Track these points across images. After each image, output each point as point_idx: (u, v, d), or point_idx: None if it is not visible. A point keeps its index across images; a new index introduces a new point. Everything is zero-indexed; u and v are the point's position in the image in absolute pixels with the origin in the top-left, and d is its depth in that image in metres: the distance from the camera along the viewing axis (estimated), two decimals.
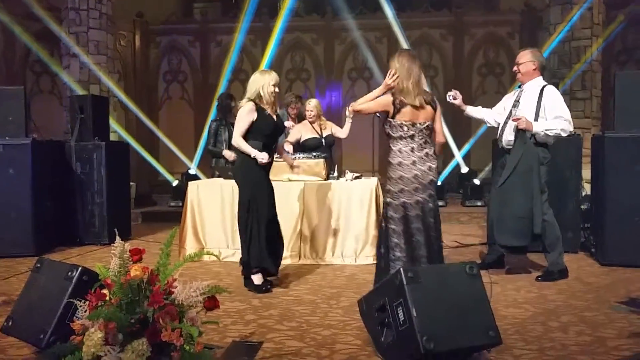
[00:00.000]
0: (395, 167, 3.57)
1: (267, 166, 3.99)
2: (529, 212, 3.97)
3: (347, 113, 4.40)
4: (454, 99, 4.32)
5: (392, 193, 3.59)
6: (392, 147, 3.60)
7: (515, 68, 4.29)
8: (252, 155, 3.85)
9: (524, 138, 4.01)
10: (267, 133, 3.93)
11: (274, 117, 3.99)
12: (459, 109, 4.42)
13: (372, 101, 3.65)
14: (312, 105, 5.47)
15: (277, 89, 3.95)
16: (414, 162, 3.55)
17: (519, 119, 4.00)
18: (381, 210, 4.96)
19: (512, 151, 4.07)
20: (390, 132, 3.61)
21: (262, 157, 3.84)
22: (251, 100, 3.91)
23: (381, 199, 5.10)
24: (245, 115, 3.88)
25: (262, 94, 3.89)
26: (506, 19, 10.16)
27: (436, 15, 10.37)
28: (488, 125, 4.57)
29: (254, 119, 3.88)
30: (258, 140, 3.90)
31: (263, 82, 3.90)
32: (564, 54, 7.87)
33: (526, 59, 4.24)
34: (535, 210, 3.97)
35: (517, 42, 10.08)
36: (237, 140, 3.90)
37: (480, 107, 4.57)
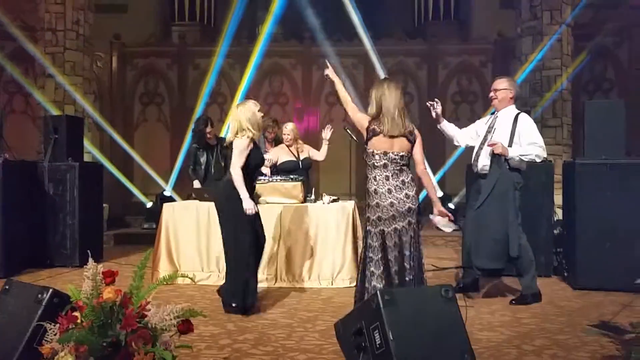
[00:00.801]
0: (372, 195, 3.54)
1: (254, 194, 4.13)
2: (505, 236, 4.02)
3: (326, 72, 4.00)
4: (434, 108, 4.36)
5: (371, 221, 3.54)
6: (368, 175, 3.58)
7: (492, 94, 4.40)
8: (243, 200, 3.83)
9: (500, 163, 4.09)
10: (258, 165, 4.11)
11: (263, 151, 4.23)
12: (435, 119, 4.45)
13: (352, 112, 3.68)
14: (289, 128, 5.51)
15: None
16: (389, 190, 3.51)
17: (495, 144, 4.09)
18: (358, 234, 4.99)
19: (488, 176, 4.14)
20: (366, 160, 3.60)
21: (250, 208, 3.83)
22: (251, 133, 3.90)
23: (358, 222, 5.13)
24: (245, 149, 3.88)
25: (257, 125, 3.94)
26: (479, 48, 10.42)
27: (411, 44, 10.59)
28: (456, 144, 4.65)
29: (250, 153, 3.92)
30: (249, 171, 3.98)
31: (253, 114, 3.92)
32: (535, 83, 8.11)
33: (504, 86, 4.36)
34: (510, 233, 4.03)
35: (489, 71, 10.34)
36: (236, 173, 3.84)
37: (454, 126, 4.62)
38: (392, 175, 3.53)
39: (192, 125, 7.99)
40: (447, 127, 4.57)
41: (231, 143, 3.94)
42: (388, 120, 3.52)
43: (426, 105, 4.45)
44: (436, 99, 4.46)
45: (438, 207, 3.73)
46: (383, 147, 3.53)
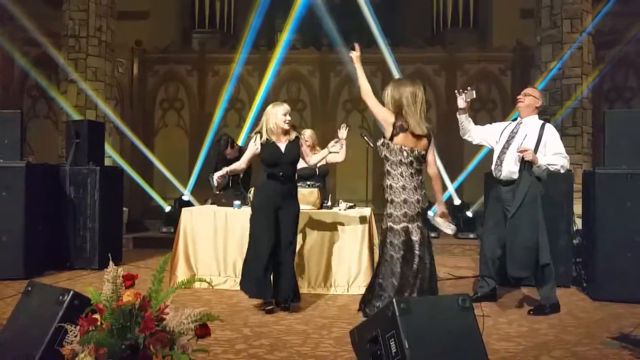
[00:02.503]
0: (399, 190, 3.50)
1: (277, 191, 4.10)
2: (536, 244, 4.00)
3: (351, 54, 4.14)
4: (462, 95, 4.31)
5: (394, 217, 3.50)
6: (392, 171, 3.54)
7: (520, 97, 4.37)
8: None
9: (530, 170, 4.07)
10: (270, 162, 4.11)
11: (283, 145, 4.12)
12: (458, 105, 4.41)
13: (376, 107, 3.63)
14: (307, 135, 5.53)
15: (287, 118, 4.13)
16: (415, 188, 3.52)
17: (526, 150, 4.04)
18: (374, 241, 4.97)
19: (519, 183, 4.08)
20: (388, 155, 3.55)
21: (214, 177, 4.32)
22: (258, 132, 4.16)
23: (374, 229, 5.13)
24: (249, 145, 4.21)
25: (269, 126, 4.10)
26: (498, 56, 10.36)
27: (430, 51, 10.57)
28: (466, 138, 4.60)
29: (257, 150, 4.14)
30: (265, 169, 4.15)
31: (271, 114, 4.12)
32: (555, 91, 8.03)
33: (534, 94, 4.35)
34: (541, 240, 4.01)
35: (509, 79, 10.27)
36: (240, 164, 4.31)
37: (471, 120, 4.57)
38: (415, 173, 3.56)
39: (210, 130, 8.06)
40: (466, 121, 4.52)
41: None
42: (414, 118, 3.52)
43: (444, 113, 4.45)
44: (470, 88, 4.39)
45: (442, 208, 3.78)
46: (410, 144, 3.54)
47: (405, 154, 3.52)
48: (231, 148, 5.94)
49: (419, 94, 3.57)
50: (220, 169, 5.92)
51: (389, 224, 3.55)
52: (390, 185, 3.54)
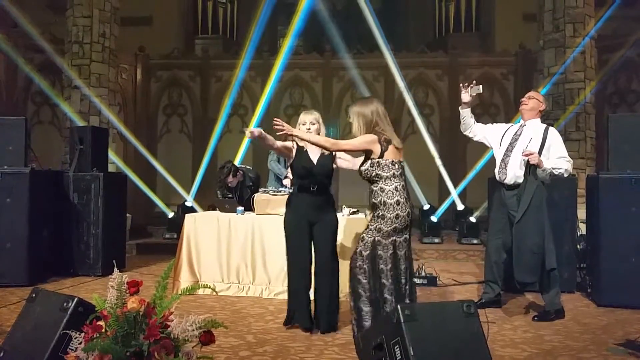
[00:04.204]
0: (392, 206, 3.45)
1: (309, 203, 3.80)
2: (542, 248, 3.98)
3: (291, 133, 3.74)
4: (467, 90, 4.32)
5: (383, 232, 3.44)
6: (386, 187, 3.47)
7: (524, 99, 4.37)
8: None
9: (535, 174, 4.06)
10: (300, 173, 3.84)
11: (316, 156, 3.83)
12: (462, 99, 4.42)
13: (356, 140, 3.54)
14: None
15: (307, 127, 3.84)
16: (406, 199, 3.50)
17: (531, 153, 4.03)
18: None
19: (525, 187, 4.06)
20: (381, 173, 3.50)
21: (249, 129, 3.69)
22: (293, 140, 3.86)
23: None
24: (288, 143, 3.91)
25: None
26: (501, 60, 10.38)
27: (432, 56, 10.59)
28: (467, 134, 4.59)
29: (292, 158, 3.87)
30: (296, 181, 3.91)
31: (298, 122, 3.92)
32: (558, 96, 8.03)
33: (538, 98, 4.36)
34: (547, 245, 4.00)
35: (511, 84, 10.28)
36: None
37: (473, 116, 4.57)
38: (405, 184, 3.54)
39: (213, 136, 8.04)
40: (468, 116, 4.52)
41: None
42: (390, 132, 3.54)
43: (447, 117, 4.45)
44: (475, 81, 4.40)
45: None
46: (397, 157, 3.53)
47: (396, 166, 3.51)
48: (233, 177, 5.96)
49: (382, 108, 3.59)
50: (223, 194, 5.95)
51: (377, 237, 3.44)
52: (384, 202, 3.47)
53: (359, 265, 3.43)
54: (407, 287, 3.46)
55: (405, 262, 3.47)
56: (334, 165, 3.93)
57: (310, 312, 3.82)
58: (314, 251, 3.81)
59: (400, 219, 3.44)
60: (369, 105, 3.56)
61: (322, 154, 3.83)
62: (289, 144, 3.88)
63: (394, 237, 3.45)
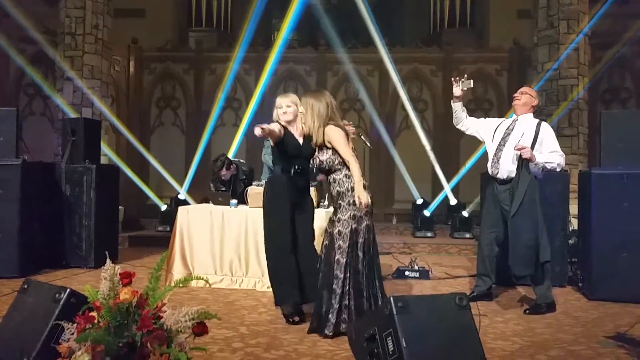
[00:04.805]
0: (346, 193, 3.48)
1: (293, 185, 3.80)
2: (536, 241, 4.01)
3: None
4: (457, 83, 4.34)
5: (357, 218, 3.47)
6: (337, 176, 3.53)
7: (517, 95, 4.39)
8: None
9: (528, 168, 4.08)
10: (292, 153, 3.79)
11: (300, 139, 3.81)
12: (454, 93, 4.44)
13: (344, 146, 3.51)
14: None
15: (283, 110, 3.81)
16: (367, 185, 3.55)
17: (523, 148, 4.05)
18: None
19: (518, 181, 4.08)
20: (337, 162, 3.53)
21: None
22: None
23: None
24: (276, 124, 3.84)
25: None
26: (495, 56, 10.38)
27: (427, 52, 10.59)
28: (459, 127, 4.60)
29: (281, 133, 3.76)
30: (282, 162, 3.85)
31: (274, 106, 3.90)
32: (551, 92, 8.05)
33: (531, 93, 4.38)
34: (541, 238, 4.02)
35: (505, 79, 10.30)
36: None
37: (466, 113, 4.58)
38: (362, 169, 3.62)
39: (207, 129, 7.99)
40: (460, 109, 4.53)
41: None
42: (341, 123, 3.61)
43: (441, 113, 4.47)
44: (466, 75, 4.44)
45: None
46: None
47: (355, 153, 3.59)
48: (227, 170, 5.93)
49: (334, 100, 3.65)
50: (216, 187, 5.92)
51: (354, 225, 3.47)
52: (339, 191, 3.52)
53: (337, 260, 3.45)
54: (377, 270, 3.54)
55: (374, 245, 3.55)
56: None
57: (296, 286, 3.76)
58: (296, 232, 3.81)
59: (356, 205, 3.47)
60: (323, 98, 3.59)
61: (304, 136, 3.78)
62: (277, 125, 3.78)
63: (367, 222, 3.51)
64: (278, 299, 3.86)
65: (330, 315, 3.41)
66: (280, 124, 3.81)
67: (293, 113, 3.83)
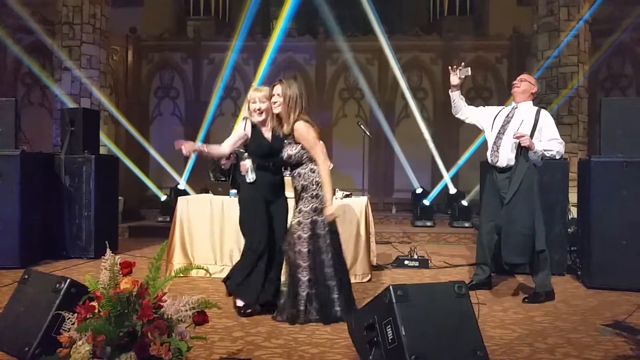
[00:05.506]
0: (313, 186, 3.56)
1: (268, 182, 3.80)
2: (532, 230, 4.01)
3: None
4: (460, 71, 4.34)
5: (319, 210, 3.56)
6: (302, 170, 3.58)
7: (516, 82, 4.37)
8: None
9: (526, 156, 4.07)
10: (262, 152, 3.78)
11: (269, 134, 3.76)
12: (451, 82, 4.41)
13: (316, 144, 3.55)
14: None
15: (256, 105, 3.73)
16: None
17: (522, 136, 4.04)
18: (371, 229, 4.95)
19: (515, 169, 4.09)
20: (305, 157, 3.58)
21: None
22: (246, 117, 3.85)
23: (371, 217, 5.14)
24: (238, 128, 3.88)
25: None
26: (495, 44, 10.34)
27: (426, 40, 10.54)
28: (458, 116, 4.59)
29: (246, 136, 3.80)
30: (256, 159, 3.82)
31: (247, 100, 3.89)
32: (551, 80, 8.03)
33: (530, 80, 4.36)
34: (537, 226, 4.02)
35: (505, 67, 10.27)
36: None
37: (464, 98, 4.56)
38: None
39: (206, 119, 7.94)
40: (458, 98, 4.52)
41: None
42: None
43: (441, 101, 4.45)
44: (464, 64, 4.43)
45: None
46: None
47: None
48: (227, 159, 5.91)
49: (304, 89, 3.68)
50: (216, 177, 5.90)
51: (314, 217, 3.55)
52: (317, 181, 3.57)
53: (298, 250, 3.55)
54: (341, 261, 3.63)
55: (336, 235, 3.63)
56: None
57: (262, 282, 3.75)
58: (272, 229, 3.80)
59: (319, 198, 3.57)
60: (296, 88, 3.60)
61: (274, 133, 3.74)
62: (240, 132, 3.80)
63: (315, 217, 3.57)
64: (242, 290, 3.78)
65: (299, 304, 3.52)
66: (251, 121, 3.78)
67: (266, 108, 3.73)
